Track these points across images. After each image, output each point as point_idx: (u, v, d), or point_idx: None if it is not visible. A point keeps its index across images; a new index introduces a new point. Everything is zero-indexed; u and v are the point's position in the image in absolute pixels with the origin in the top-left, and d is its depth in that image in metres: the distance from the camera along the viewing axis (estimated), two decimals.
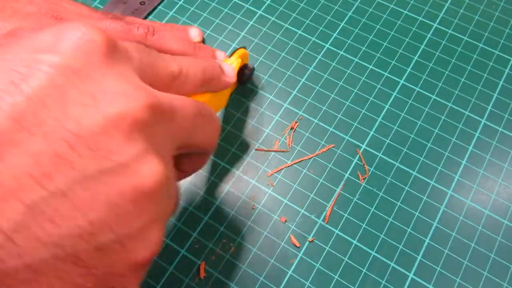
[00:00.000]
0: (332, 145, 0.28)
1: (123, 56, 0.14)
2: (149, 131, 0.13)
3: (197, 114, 0.17)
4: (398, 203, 0.27)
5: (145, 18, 0.33)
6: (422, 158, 0.28)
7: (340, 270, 0.25)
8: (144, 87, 0.14)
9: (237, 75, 0.26)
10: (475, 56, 0.32)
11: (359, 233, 0.26)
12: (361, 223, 0.26)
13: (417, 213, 0.26)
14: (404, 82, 0.31)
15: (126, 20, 0.27)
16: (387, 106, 0.30)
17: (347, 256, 0.25)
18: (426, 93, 0.30)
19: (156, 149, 0.13)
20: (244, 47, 0.28)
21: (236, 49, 0.27)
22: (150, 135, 0.13)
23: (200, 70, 0.20)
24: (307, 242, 0.26)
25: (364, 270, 0.25)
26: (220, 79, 0.22)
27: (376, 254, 0.25)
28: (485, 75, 0.31)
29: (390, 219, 0.26)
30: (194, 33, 0.31)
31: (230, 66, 0.24)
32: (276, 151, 0.28)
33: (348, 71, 0.31)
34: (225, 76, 0.23)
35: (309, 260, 0.25)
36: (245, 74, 0.28)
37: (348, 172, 0.28)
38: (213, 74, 0.21)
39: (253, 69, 0.29)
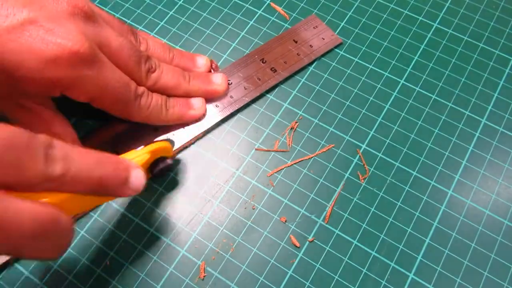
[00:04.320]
0: (332, 145, 0.28)
1: None
2: None
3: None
4: (398, 203, 0.27)
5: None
6: (422, 158, 0.28)
7: (340, 270, 0.25)
8: None
9: (149, 168, 0.24)
10: (475, 56, 0.32)
11: (359, 233, 0.26)
12: (361, 223, 0.26)
13: (417, 213, 0.26)
14: (404, 82, 0.31)
15: (138, 39, 0.27)
16: (387, 106, 0.30)
17: (347, 256, 0.25)
18: (426, 93, 0.30)
19: None
20: (169, 140, 0.26)
21: (154, 142, 0.25)
22: None
23: (93, 176, 0.19)
24: (307, 242, 0.26)
25: (364, 270, 0.25)
26: (119, 190, 0.20)
27: (376, 254, 0.25)
28: (486, 75, 0.31)
29: (390, 219, 0.26)
30: (201, 61, 0.30)
31: (140, 173, 0.21)
32: (276, 151, 0.28)
33: (348, 71, 0.31)
34: (127, 188, 0.21)
35: (309, 260, 0.25)
36: (158, 167, 0.25)
37: (348, 172, 0.28)
38: (111, 183, 0.20)
39: (170, 165, 0.25)
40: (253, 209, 0.26)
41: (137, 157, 0.23)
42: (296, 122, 0.29)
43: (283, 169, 0.28)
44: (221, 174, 0.27)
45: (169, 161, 0.25)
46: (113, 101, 0.24)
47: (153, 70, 0.26)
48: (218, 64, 0.31)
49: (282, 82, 0.30)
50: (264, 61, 0.30)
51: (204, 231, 0.26)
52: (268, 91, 0.30)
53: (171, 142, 0.27)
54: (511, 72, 0.31)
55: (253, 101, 0.30)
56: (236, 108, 0.29)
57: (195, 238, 0.26)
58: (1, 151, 0.15)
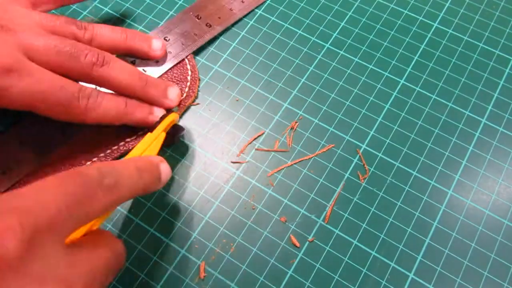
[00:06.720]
0: (332, 145, 0.28)
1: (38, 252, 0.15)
2: None
3: None
4: (398, 203, 0.27)
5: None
6: (422, 158, 0.28)
7: (340, 270, 0.25)
8: None
9: (166, 139, 0.26)
10: (475, 56, 0.32)
11: (359, 233, 0.26)
12: (361, 223, 0.26)
13: (417, 213, 0.26)
14: (404, 82, 0.31)
15: (78, 37, 0.26)
16: (387, 106, 0.30)
17: (347, 256, 0.25)
18: (426, 93, 0.30)
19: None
20: (174, 111, 0.28)
21: (163, 118, 0.26)
22: None
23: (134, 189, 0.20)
24: (307, 242, 0.26)
25: (364, 270, 0.25)
26: (153, 189, 0.22)
27: (376, 254, 0.25)
28: (486, 75, 0.31)
29: (390, 219, 0.26)
30: (157, 44, 0.29)
31: (167, 167, 0.23)
32: (276, 151, 0.28)
33: (348, 71, 0.31)
34: (160, 185, 0.23)
35: (309, 260, 0.25)
36: (177, 134, 0.27)
37: (348, 172, 0.28)
38: (150, 188, 0.22)
39: (183, 129, 0.27)
40: (253, 209, 0.26)
41: (156, 138, 0.25)
42: (296, 122, 0.29)
43: (283, 169, 0.28)
44: (221, 174, 0.27)
45: (181, 127, 0.27)
46: (51, 107, 0.23)
47: (99, 63, 0.25)
48: None
49: (220, 35, 0.31)
50: (199, 17, 0.32)
51: (204, 231, 0.26)
52: (268, 90, 0.30)
53: (176, 111, 0.29)
54: (511, 72, 0.31)
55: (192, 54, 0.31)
56: (175, 63, 0.30)
57: (195, 238, 0.26)
58: (70, 207, 0.16)
